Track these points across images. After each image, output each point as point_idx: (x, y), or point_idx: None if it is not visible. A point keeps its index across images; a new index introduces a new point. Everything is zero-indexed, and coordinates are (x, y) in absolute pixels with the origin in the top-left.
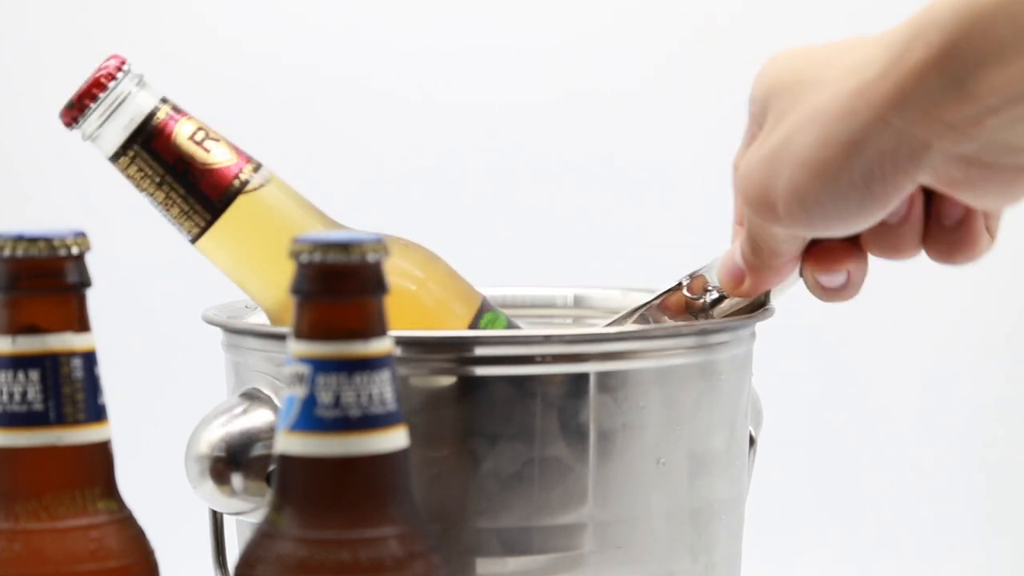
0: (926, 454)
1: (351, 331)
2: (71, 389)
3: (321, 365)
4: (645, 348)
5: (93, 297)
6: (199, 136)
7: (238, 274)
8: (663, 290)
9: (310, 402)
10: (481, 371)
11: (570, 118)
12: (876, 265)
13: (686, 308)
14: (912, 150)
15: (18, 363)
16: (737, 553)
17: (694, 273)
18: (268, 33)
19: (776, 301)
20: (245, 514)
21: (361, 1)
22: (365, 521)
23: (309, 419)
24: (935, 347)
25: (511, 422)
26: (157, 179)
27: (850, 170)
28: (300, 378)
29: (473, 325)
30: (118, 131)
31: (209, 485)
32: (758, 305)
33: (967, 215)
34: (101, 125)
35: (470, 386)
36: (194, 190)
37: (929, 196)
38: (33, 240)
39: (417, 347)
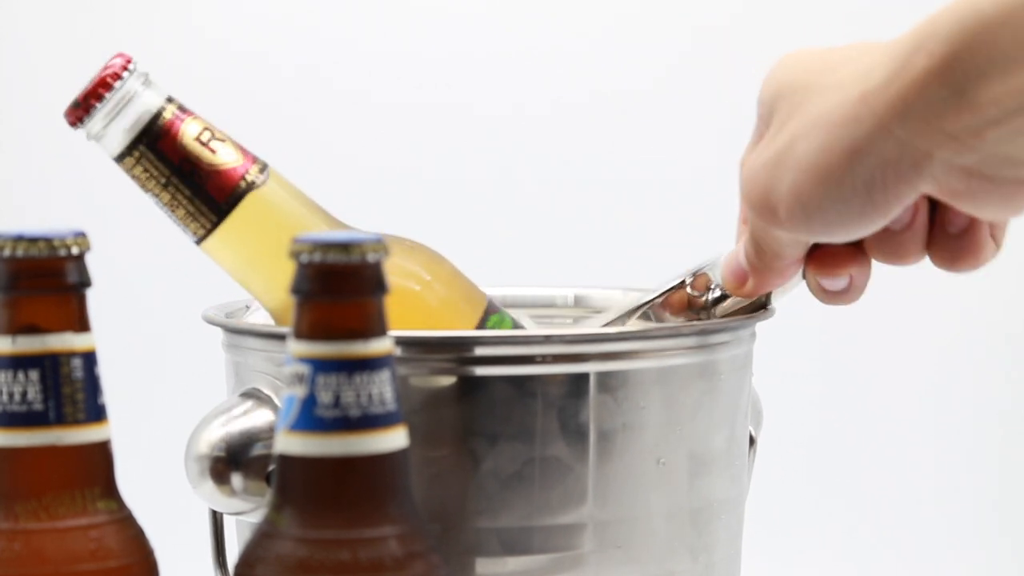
0: (926, 454)
1: (351, 331)
2: (71, 389)
3: (321, 365)
4: (645, 348)
5: (93, 297)
6: (205, 136)
7: (242, 275)
8: (666, 287)
9: (310, 402)
10: (481, 371)
11: (570, 119)
12: (877, 266)
13: (688, 305)
14: (914, 159)
15: (18, 363)
16: (737, 553)
17: (698, 270)
18: (271, 35)
19: (778, 302)
20: (245, 514)
21: (366, 3)
22: (365, 521)
23: (309, 419)
24: (935, 347)
25: (511, 422)
26: (163, 180)
27: (852, 177)
28: (300, 378)
29: (480, 327)
30: (124, 131)
31: (209, 485)
32: (759, 306)
33: (972, 223)
34: (107, 125)
35: (470, 386)
36: (200, 191)
37: (934, 204)
38: (33, 240)
39: (417, 347)
